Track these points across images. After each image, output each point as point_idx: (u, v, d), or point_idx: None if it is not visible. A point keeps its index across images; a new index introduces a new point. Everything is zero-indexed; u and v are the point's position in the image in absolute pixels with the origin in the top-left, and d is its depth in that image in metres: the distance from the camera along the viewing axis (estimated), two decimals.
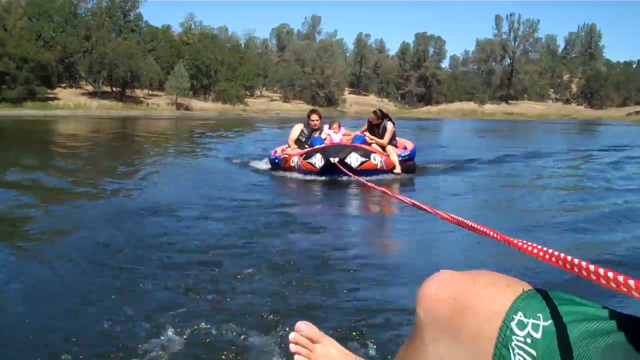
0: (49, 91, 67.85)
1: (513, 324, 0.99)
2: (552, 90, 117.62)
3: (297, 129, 11.35)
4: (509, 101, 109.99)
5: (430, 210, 1.83)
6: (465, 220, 1.46)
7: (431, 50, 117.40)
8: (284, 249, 4.74)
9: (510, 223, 6.42)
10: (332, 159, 9.72)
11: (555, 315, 0.97)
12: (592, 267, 0.82)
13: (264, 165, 11.95)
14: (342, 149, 10.03)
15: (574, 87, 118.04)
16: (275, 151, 11.49)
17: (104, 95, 73.36)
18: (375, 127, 11.17)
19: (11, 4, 73.17)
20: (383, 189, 3.02)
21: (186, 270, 4.06)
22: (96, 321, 3.07)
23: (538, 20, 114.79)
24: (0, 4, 73.16)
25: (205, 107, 79.77)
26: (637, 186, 9.57)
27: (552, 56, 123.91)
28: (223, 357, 2.71)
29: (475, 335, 1.02)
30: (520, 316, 0.99)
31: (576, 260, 0.87)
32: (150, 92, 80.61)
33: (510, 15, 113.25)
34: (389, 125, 11.03)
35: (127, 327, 2.98)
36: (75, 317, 3.21)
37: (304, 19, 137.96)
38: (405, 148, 11.61)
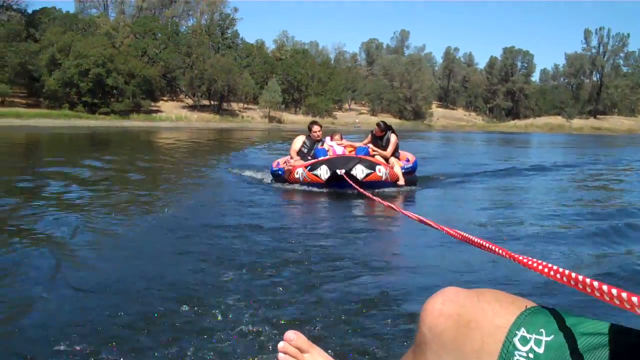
0: (152, 104, 72.18)
1: (516, 340, 0.98)
2: None
3: (299, 141, 11.17)
4: (598, 116, 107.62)
5: (435, 226, 1.84)
6: (471, 237, 1.49)
7: (519, 64, 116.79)
8: (287, 261, 4.74)
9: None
10: (338, 171, 9.55)
11: (558, 330, 0.97)
12: (596, 283, 0.81)
13: (262, 176, 11.89)
14: (348, 161, 9.84)
15: None
16: (278, 163, 11.25)
17: (202, 108, 77.50)
18: (379, 139, 11.09)
19: (119, 23, 78.58)
20: (389, 204, 3.02)
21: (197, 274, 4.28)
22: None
23: (628, 34, 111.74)
24: (109, 23, 78.64)
25: (296, 119, 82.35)
26: None
27: None
28: None
29: (478, 349, 1.02)
30: (523, 332, 0.98)
31: (580, 277, 0.86)
32: (245, 105, 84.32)
33: (600, 29, 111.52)
34: (392, 137, 11.02)
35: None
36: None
37: (392, 33, 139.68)
38: (408, 160, 11.52)
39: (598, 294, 0.80)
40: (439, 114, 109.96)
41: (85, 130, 41.38)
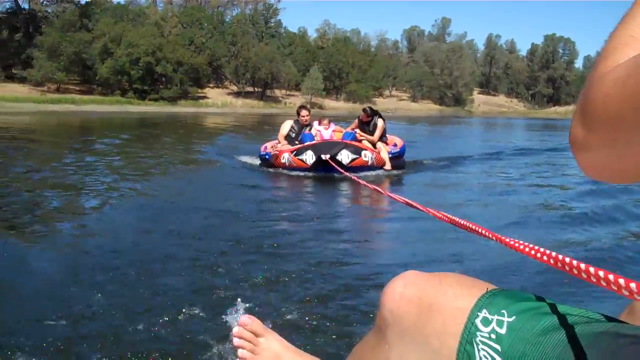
0: (199, 91, 74.04)
1: (478, 321, 0.96)
2: None
3: (287, 125, 11.16)
4: None
5: (422, 208, 1.80)
6: (457, 219, 1.45)
7: (561, 51, 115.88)
8: (270, 246, 4.69)
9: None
10: (323, 156, 9.52)
11: (520, 312, 0.95)
12: (582, 265, 0.79)
13: (251, 160, 11.94)
14: (333, 146, 9.83)
15: None
16: (266, 147, 11.20)
17: (246, 95, 79.15)
18: (366, 125, 11.08)
19: (167, 13, 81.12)
20: (375, 187, 3.03)
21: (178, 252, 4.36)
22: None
23: None
24: (158, 13, 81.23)
25: (336, 106, 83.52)
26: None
27: None
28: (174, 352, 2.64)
29: (440, 331, 1.00)
30: (485, 313, 0.97)
31: (567, 259, 0.83)
32: (288, 92, 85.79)
33: None
34: (379, 122, 11.00)
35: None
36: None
37: (434, 21, 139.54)
38: (395, 145, 11.47)
39: (584, 275, 0.78)
40: (480, 101, 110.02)
41: (136, 116, 43.20)
